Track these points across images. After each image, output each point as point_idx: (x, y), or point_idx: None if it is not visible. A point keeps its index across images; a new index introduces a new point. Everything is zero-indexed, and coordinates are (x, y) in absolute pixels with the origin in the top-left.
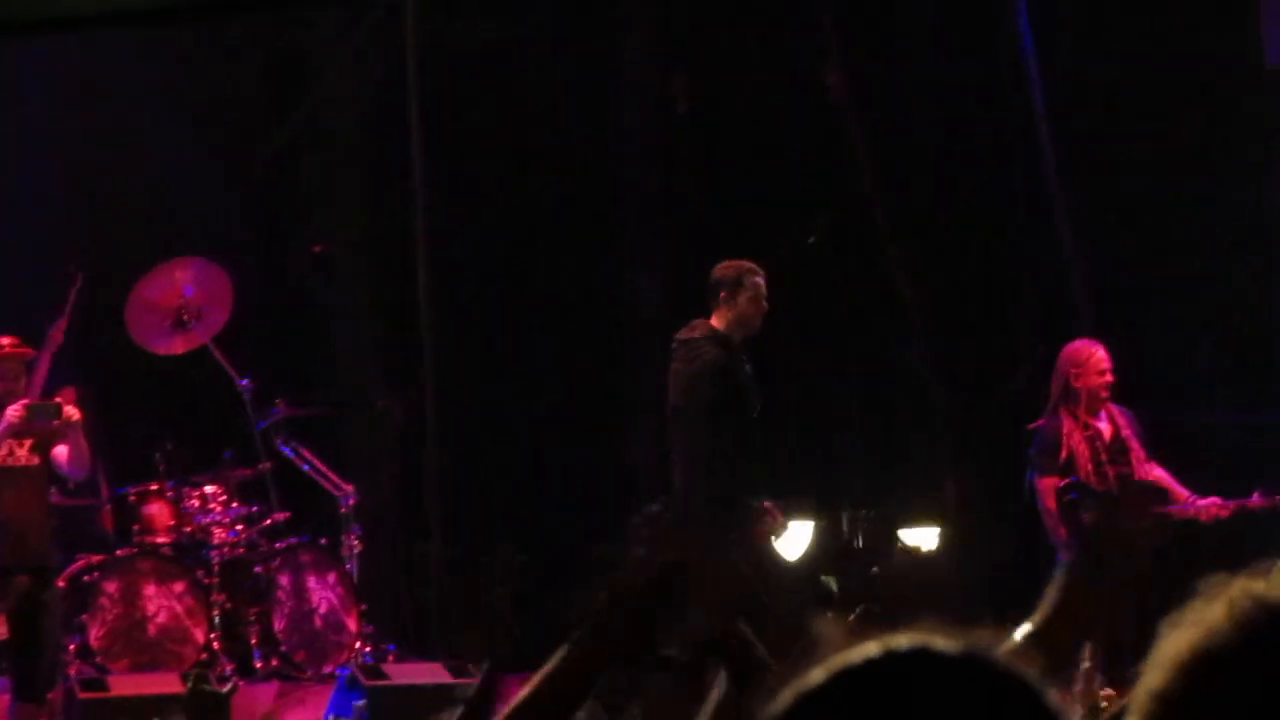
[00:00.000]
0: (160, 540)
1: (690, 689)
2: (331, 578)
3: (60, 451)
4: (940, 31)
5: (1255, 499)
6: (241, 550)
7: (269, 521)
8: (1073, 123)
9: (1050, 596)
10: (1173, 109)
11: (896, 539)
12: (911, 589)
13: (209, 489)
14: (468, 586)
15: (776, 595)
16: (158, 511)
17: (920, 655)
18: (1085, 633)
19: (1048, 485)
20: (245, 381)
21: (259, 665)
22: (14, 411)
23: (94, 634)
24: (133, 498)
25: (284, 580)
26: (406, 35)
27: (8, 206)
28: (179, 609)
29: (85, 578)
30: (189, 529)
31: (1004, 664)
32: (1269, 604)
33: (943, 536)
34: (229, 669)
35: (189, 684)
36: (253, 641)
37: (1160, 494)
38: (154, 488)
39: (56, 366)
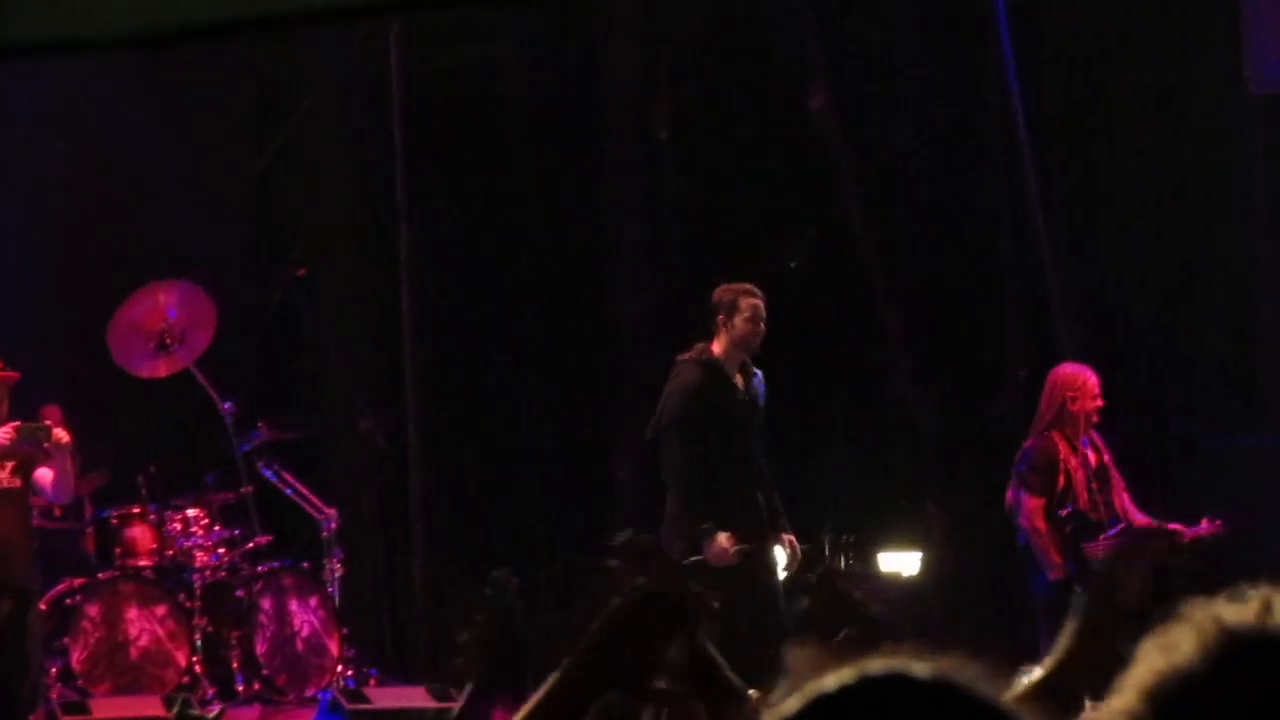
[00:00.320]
0: (142, 563)
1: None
2: (313, 601)
3: (44, 474)
4: (924, 55)
5: (1203, 526)
6: (223, 573)
7: (251, 545)
8: (1055, 146)
9: (1064, 643)
10: (1155, 134)
11: (877, 563)
12: (893, 614)
13: (191, 512)
14: (450, 610)
15: (736, 621)
16: (140, 534)
17: (895, 681)
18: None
19: (1037, 505)
20: (228, 404)
21: (240, 688)
22: (3, 434)
23: (76, 657)
24: (115, 520)
25: (266, 603)
26: (390, 57)
27: None
28: (161, 632)
29: (67, 600)
30: (171, 552)
31: (977, 690)
32: (1236, 632)
33: (924, 561)
34: (210, 692)
35: (174, 709)
36: (234, 665)
37: (1162, 534)
38: (136, 510)
39: (38, 386)
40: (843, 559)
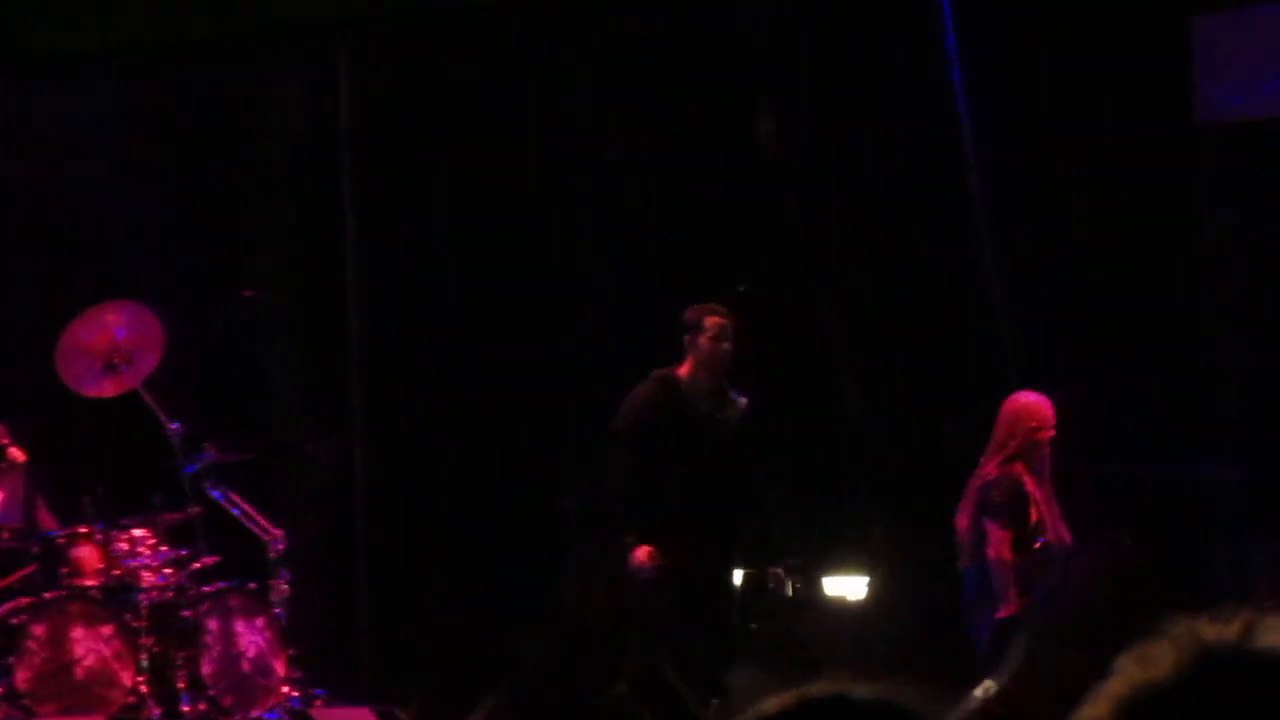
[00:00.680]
0: (89, 583)
1: None
2: (260, 622)
3: None
4: (872, 81)
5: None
6: (170, 594)
7: (198, 565)
8: (1004, 173)
9: (1015, 656)
10: (1105, 161)
11: (823, 588)
12: (838, 638)
13: (138, 532)
14: (397, 631)
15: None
16: (86, 554)
17: (836, 703)
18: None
19: (1006, 537)
20: (175, 425)
21: (186, 709)
22: None
23: (20, 677)
24: (61, 540)
25: (212, 624)
26: (338, 76)
27: None
28: (107, 652)
29: (12, 620)
30: (117, 572)
31: (920, 712)
32: (1213, 649)
33: (871, 586)
34: (157, 713)
35: None
36: (180, 685)
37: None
38: (83, 530)
39: None
40: (789, 584)
